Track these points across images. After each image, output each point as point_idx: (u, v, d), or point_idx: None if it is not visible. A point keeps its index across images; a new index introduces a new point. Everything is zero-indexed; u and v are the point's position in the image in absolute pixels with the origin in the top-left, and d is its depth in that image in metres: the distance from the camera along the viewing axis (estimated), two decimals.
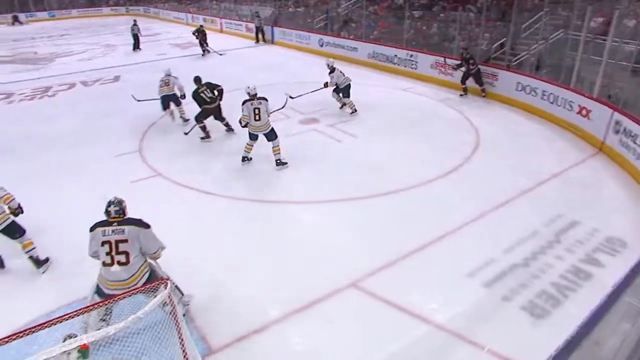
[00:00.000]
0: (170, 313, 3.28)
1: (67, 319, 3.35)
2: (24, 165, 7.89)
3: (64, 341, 2.75)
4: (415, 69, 12.40)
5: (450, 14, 13.36)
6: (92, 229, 3.78)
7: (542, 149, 7.74)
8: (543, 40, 10.25)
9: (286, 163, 7.26)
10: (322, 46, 16.23)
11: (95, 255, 3.84)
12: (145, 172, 7.36)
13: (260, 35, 19.49)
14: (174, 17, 30.19)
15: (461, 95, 10.71)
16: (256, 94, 7.08)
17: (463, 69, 10.54)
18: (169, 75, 9.27)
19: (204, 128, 8.53)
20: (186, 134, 8.56)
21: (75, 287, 4.37)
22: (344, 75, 9.74)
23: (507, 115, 9.49)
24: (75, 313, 3.40)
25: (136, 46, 19.36)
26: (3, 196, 4.84)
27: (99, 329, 3.84)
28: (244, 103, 7.05)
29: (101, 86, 13.50)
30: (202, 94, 8.27)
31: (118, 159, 7.89)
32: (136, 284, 3.77)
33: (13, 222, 4.90)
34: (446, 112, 9.76)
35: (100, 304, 3.36)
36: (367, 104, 10.26)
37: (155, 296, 3.25)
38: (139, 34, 19.27)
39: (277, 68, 14.38)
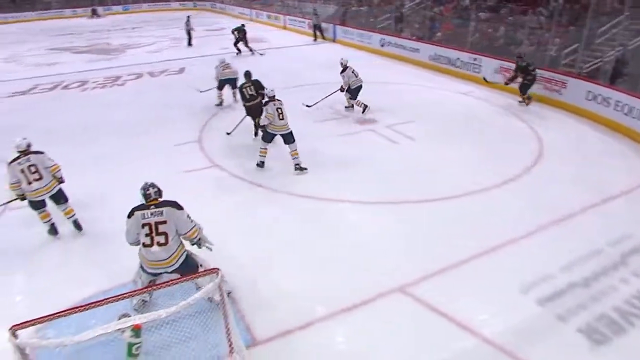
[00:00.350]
0: (219, 302, 3.34)
1: (122, 299, 3.52)
2: (91, 149, 8.38)
3: (119, 319, 2.87)
4: (478, 72, 12.01)
5: (519, 17, 12.83)
6: (130, 215, 3.93)
7: (612, 164, 7.26)
8: (621, 46, 9.62)
9: (306, 168, 7.10)
10: (383, 46, 16.06)
11: (134, 241, 3.99)
12: (202, 162, 7.58)
13: (318, 33, 19.45)
14: (238, 13, 30.88)
15: (521, 102, 10.12)
16: (274, 95, 7.07)
17: (519, 79, 9.87)
18: (228, 62, 10.32)
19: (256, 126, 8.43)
20: (228, 134, 8.58)
21: (129, 267, 4.51)
22: (356, 75, 9.57)
23: (575, 125, 8.99)
24: (129, 294, 3.56)
25: (189, 43, 19.68)
26: (51, 166, 5.41)
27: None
28: (266, 104, 7.07)
29: (166, 77, 14.04)
30: (244, 90, 8.14)
31: (177, 148, 8.18)
32: (174, 263, 3.96)
33: (60, 189, 5.51)
34: (508, 119, 9.39)
35: (155, 288, 3.50)
36: (426, 107, 10.08)
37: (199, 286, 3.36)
38: (191, 30, 19.60)
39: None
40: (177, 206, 3.99)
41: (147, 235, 3.86)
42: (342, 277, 4.75)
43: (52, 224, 5.60)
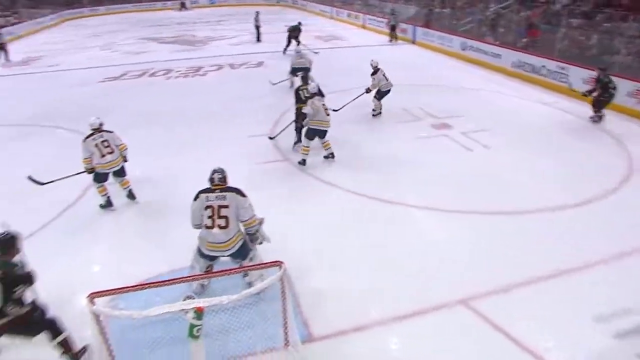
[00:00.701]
0: (280, 294, 3.39)
1: (186, 281, 3.67)
2: (172, 133, 8.87)
3: (183, 300, 2.98)
4: (566, 82, 11.30)
5: (618, 24, 11.90)
6: (195, 198, 4.10)
7: None
8: None
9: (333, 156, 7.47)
10: (464, 50, 15.56)
11: (198, 224, 4.13)
12: (273, 155, 7.74)
13: (394, 34, 18.99)
14: (319, 10, 31.22)
15: (592, 118, 9.18)
16: (315, 93, 7.22)
17: (595, 94, 8.96)
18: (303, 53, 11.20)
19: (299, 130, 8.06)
20: (271, 138, 8.38)
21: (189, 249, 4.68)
22: (386, 79, 9.29)
23: None
24: (193, 277, 3.71)
25: (258, 39, 19.92)
26: (120, 145, 6.06)
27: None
28: (312, 96, 7.17)
29: (245, 70, 14.48)
30: (300, 92, 7.91)
31: (251, 140, 8.39)
32: (232, 247, 4.10)
33: (123, 166, 6.15)
34: (596, 134, 8.71)
35: (217, 274, 3.61)
36: (505, 115, 9.64)
37: (247, 278, 3.42)
38: (260, 27, 19.73)
39: (414, 68, 14.14)
40: (240, 193, 4.13)
41: (209, 217, 4.01)
42: (402, 283, 4.65)
43: (108, 197, 6.16)
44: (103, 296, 3.24)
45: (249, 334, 3.88)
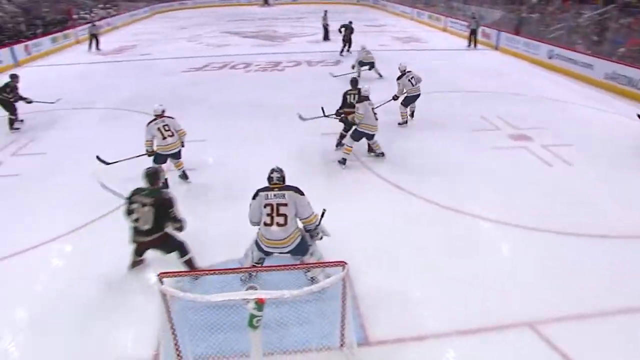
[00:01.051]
0: (341, 294, 3.37)
1: (250, 271, 3.74)
2: (245, 125, 9.13)
3: (246, 290, 3.04)
4: None
5: None
6: (254, 196, 4.19)
7: None
8: None
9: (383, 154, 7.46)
10: (550, 58, 14.70)
11: (257, 221, 4.20)
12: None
13: (473, 38, 18.09)
14: (400, 11, 30.82)
15: None
16: (368, 96, 7.12)
17: None
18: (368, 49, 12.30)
19: (341, 137, 7.91)
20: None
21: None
22: (412, 84, 8.78)
23: None
24: (256, 269, 3.76)
25: (326, 37, 19.84)
26: (179, 130, 6.52)
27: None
28: (361, 101, 7.03)
29: (322, 68, 14.59)
30: (348, 96, 7.71)
31: (324, 137, 8.43)
32: (290, 245, 4.13)
33: (179, 150, 6.56)
34: None
35: (282, 268, 3.65)
36: (592, 130, 8.98)
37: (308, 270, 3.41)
38: (327, 25, 19.62)
39: (495, 75, 13.55)
40: (299, 191, 4.21)
41: (268, 215, 4.09)
42: (466, 296, 4.46)
43: (166, 179, 6.34)
44: (170, 277, 3.39)
45: (305, 329, 3.90)
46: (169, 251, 4.52)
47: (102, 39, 19.78)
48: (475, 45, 17.96)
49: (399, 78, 8.92)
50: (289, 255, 4.23)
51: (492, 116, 9.57)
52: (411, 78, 8.83)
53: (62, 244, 5.52)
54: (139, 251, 4.60)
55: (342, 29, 16.30)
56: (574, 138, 8.45)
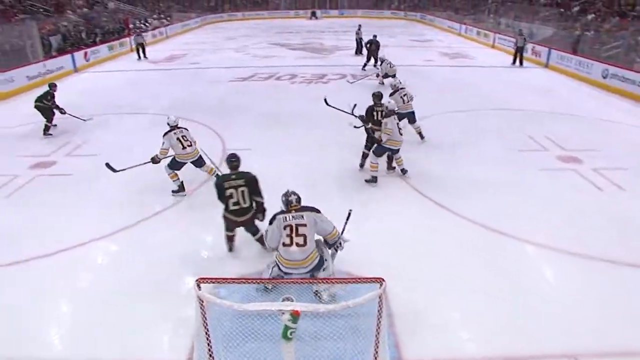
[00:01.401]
0: (377, 311, 3.30)
1: (286, 283, 3.74)
2: (288, 135, 9.24)
3: (282, 301, 3.04)
4: None
5: None
6: (272, 221, 4.24)
7: None
8: None
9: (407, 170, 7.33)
10: (605, 77, 14.13)
11: (277, 245, 4.23)
12: (383, 167, 7.60)
13: (519, 56, 17.45)
14: (447, 26, 30.53)
15: None
16: (394, 110, 7.09)
17: None
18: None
19: (364, 156, 7.71)
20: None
21: None
22: (404, 102, 8.47)
23: None
24: (291, 280, 3.76)
25: (358, 51, 19.75)
26: (194, 140, 6.85)
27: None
28: (387, 116, 6.90)
29: (367, 81, 14.57)
30: (375, 112, 7.43)
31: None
32: (309, 265, 4.18)
33: (200, 156, 6.87)
34: None
35: (315, 281, 3.63)
36: None
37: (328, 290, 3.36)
38: (362, 40, 19.41)
39: (545, 94, 13.13)
40: (316, 210, 4.29)
41: (287, 235, 4.14)
42: (504, 321, 4.29)
43: (182, 183, 6.84)
44: (208, 283, 3.43)
45: (339, 345, 3.85)
46: (255, 229, 5.18)
47: (156, 47, 20.61)
48: (521, 63, 17.45)
49: (391, 95, 8.72)
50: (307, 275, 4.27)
51: (540, 136, 9.27)
52: (404, 95, 8.68)
53: (107, 242, 5.73)
54: (232, 228, 5.16)
55: (369, 45, 16.40)
56: (627, 161, 8.05)
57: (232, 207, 4.93)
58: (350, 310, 3.75)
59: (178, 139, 6.62)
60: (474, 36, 25.31)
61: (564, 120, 10.55)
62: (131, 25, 25.74)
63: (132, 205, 6.56)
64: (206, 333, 3.44)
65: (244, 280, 3.61)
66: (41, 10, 22.32)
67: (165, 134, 6.65)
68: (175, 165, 6.73)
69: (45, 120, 9.73)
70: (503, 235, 5.76)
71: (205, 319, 3.34)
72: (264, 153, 8.39)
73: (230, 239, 5.30)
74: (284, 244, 4.16)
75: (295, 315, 2.93)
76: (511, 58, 17.66)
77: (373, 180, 7.10)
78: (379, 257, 5.20)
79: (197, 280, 3.26)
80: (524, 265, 5.22)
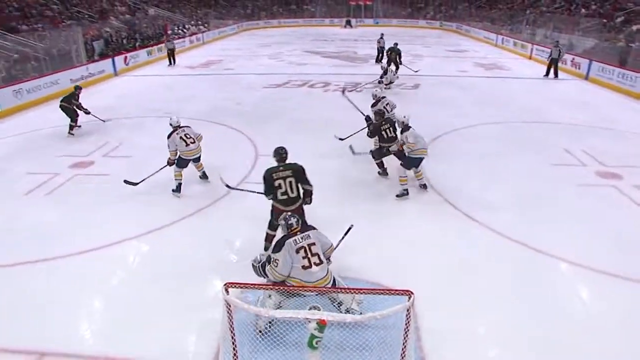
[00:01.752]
0: (404, 324, 3.25)
1: (317, 290, 3.73)
2: (319, 143, 9.20)
3: (309, 309, 3.03)
4: None
5: None
6: (278, 248, 4.05)
7: None
8: None
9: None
10: None
11: (287, 274, 4.01)
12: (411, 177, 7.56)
13: (554, 67, 16.90)
14: (483, 37, 30.11)
15: None
16: (408, 125, 6.90)
17: None
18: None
19: (381, 164, 7.71)
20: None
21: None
22: (387, 110, 8.26)
23: None
24: (319, 289, 3.74)
25: (379, 59, 19.87)
26: (198, 135, 7.11)
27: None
28: (404, 130, 6.82)
29: (401, 90, 14.51)
30: (383, 132, 7.28)
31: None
32: (330, 280, 4.12)
33: (200, 154, 7.18)
34: None
35: (337, 290, 3.60)
36: None
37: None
38: (383, 48, 19.55)
39: (584, 107, 12.73)
40: (314, 227, 4.31)
41: (304, 257, 4.03)
42: (534, 341, 4.15)
43: (180, 184, 7.08)
44: (236, 287, 3.45)
45: (364, 355, 3.80)
46: (303, 220, 5.01)
47: (192, 53, 21.07)
48: (556, 75, 16.93)
49: (373, 105, 8.66)
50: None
51: (577, 150, 8.99)
52: (386, 105, 8.60)
53: (139, 242, 5.87)
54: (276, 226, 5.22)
55: (389, 52, 16.68)
56: None
57: (280, 197, 5.07)
58: (377, 322, 3.73)
59: (181, 137, 6.89)
60: (511, 47, 24.86)
61: (603, 134, 10.20)
62: (169, 31, 26.42)
63: (164, 207, 6.69)
64: (232, 337, 3.46)
65: (271, 287, 3.62)
66: (86, 16, 23.17)
67: (169, 136, 6.91)
68: (181, 163, 7.01)
69: (70, 120, 10.10)
70: (535, 251, 5.59)
71: (232, 323, 3.36)
72: (296, 159, 8.37)
73: (269, 239, 5.38)
74: (303, 267, 4.01)
75: (322, 325, 2.91)
76: (549, 69, 17.16)
77: (405, 193, 6.95)
78: (407, 268, 5.15)
79: (225, 285, 3.28)
80: (556, 283, 5.06)
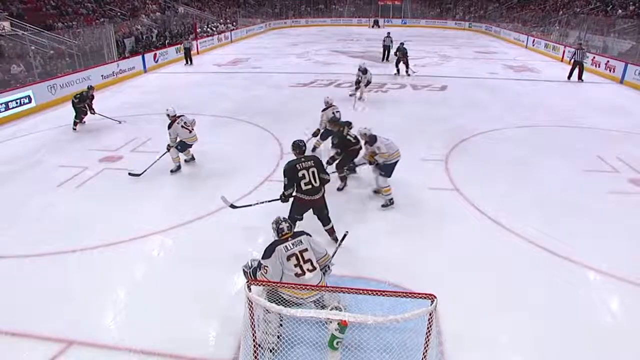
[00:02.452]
0: (427, 327, 3.21)
1: (338, 291, 3.70)
2: None
3: (330, 309, 3.02)
4: None
5: None
6: (269, 255, 3.88)
7: None
8: None
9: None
10: None
11: (275, 280, 3.86)
12: (443, 182, 7.46)
13: (578, 70, 16.29)
14: (513, 39, 29.54)
15: None
16: (374, 135, 6.51)
17: None
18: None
19: (343, 178, 7.29)
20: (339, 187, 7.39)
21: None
22: (338, 118, 7.85)
23: None
24: (339, 289, 3.72)
25: (385, 58, 20.10)
26: (193, 121, 7.81)
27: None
28: (375, 140, 6.41)
29: (428, 92, 14.36)
30: (346, 140, 6.98)
31: (422, 163, 8.24)
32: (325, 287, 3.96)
33: None
34: None
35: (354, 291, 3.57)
36: None
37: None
38: (390, 46, 19.72)
39: (618, 111, 12.32)
40: (307, 233, 4.15)
41: (296, 265, 3.88)
42: (558, 349, 4.04)
43: (180, 166, 7.90)
44: (258, 285, 3.47)
45: (385, 357, 3.78)
46: (326, 212, 5.52)
47: (220, 51, 21.27)
48: (580, 78, 16.39)
49: (324, 110, 8.41)
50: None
51: (611, 157, 8.71)
52: (336, 112, 8.24)
53: (164, 237, 5.94)
54: (303, 211, 5.46)
55: (397, 52, 16.80)
56: None
57: (305, 188, 5.22)
58: (398, 325, 3.70)
59: (182, 125, 7.54)
60: (542, 49, 24.32)
61: (639, 140, 9.88)
62: (198, 29, 26.77)
63: (189, 203, 6.79)
64: (253, 335, 3.48)
65: (293, 285, 3.62)
66: (118, 14, 23.68)
67: (170, 125, 7.54)
68: (184, 146, 7.77)
69: (74, 116, 10.40)
70: (562, 259, 5.44)
71: (253, 321, 3.38)
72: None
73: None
74: (296, 275, 3.85)
75: (343, 326, 2.90)
76: (576, 71, 16.55)
77: (390, 203, 6.61)
78: (431, 272, 5.09)
79: (247, 282, 3.30)
80: (584, 293, 4.90)
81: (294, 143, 5.44)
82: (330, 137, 7.71)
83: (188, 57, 20.39)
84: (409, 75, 16.77)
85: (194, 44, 21.51)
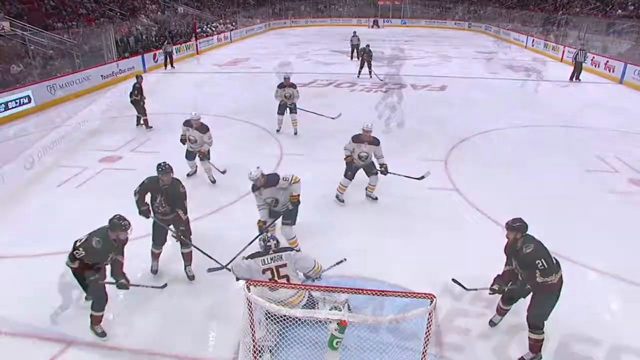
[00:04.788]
0: (425, 327, 3.22)
1: (341, 291, 3.71)
2: (339, 142, 9.08)
3: (330, 309, 3.02)
4: None
5: None
6: (249, 257, 4.05)
7: None
8: None
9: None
10: None
11: (239, 276, 4.05)
12: (443, 183, 7.47)
13: (576, 72, 16.43)
14: (513, 38, 29.52)
15: None
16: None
17: None
18: None
19: None
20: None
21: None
22: (286, 97, 9.52)
23: None
24: (344, 289, 3.73)
25: (353, 56, 20.20)
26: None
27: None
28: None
29: (427, 92, 14.37)
30: None
31: (422, 163, 8.21)
32: (302, 300, 4.00)
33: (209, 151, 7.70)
34: None
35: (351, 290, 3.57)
36: None
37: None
38: (358, 45, 19.59)
39: (617, 111, 12.31)
40: (291, 249, 4.19)
41: (270, 280, 3.95)
42: (559, 351, 4.07)
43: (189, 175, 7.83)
44: (258, 285, 3.48)
45: (384, 357, 3.78)
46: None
47: (220, 51, 21.27)
48: (578, 78, 16.39)
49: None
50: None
51: (610, 156, 8.72)
52: (287, 94, 9.67)
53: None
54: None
55: (362, 53, 16.49)
56: None
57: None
58: (398, 324, 3.70)
59: (187, 133, 7.68)
60: (542, 49, 24.32)
61: (638, 140, 9.88)
62: (198, 30, 26.75)
63: (188, 202, 6.74)
64: (252, 334, 3.48)
65: (292, 286, 3.62)
66: (118, 14, 23.66)
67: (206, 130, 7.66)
68: (188, 155, 7.80)
69: (137, 112, 10.34)
70: (563, 258, 5.41)
71: (253, 320, 3.38)
72: (317, 159, 8.42)
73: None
74: (270, 289, 3.91)
75: (342, 325, 2.90)
76: (582, 74, 16.59)
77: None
78: (430, 272, 5.07)
79: (247, 282, 3.30)
80: (585, 292, 4.92)
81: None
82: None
83: (170, 62, 19.28)
84: (371, 77, 16.28)
85: (174, 48, 20.66)
